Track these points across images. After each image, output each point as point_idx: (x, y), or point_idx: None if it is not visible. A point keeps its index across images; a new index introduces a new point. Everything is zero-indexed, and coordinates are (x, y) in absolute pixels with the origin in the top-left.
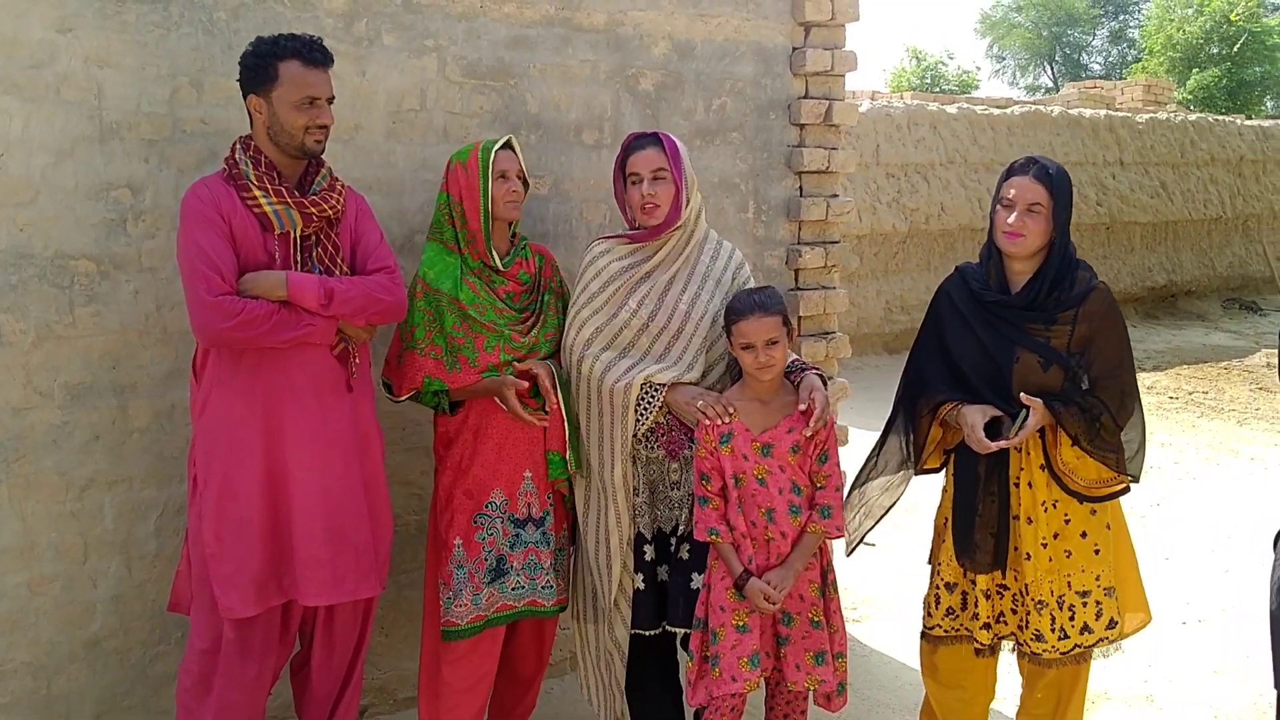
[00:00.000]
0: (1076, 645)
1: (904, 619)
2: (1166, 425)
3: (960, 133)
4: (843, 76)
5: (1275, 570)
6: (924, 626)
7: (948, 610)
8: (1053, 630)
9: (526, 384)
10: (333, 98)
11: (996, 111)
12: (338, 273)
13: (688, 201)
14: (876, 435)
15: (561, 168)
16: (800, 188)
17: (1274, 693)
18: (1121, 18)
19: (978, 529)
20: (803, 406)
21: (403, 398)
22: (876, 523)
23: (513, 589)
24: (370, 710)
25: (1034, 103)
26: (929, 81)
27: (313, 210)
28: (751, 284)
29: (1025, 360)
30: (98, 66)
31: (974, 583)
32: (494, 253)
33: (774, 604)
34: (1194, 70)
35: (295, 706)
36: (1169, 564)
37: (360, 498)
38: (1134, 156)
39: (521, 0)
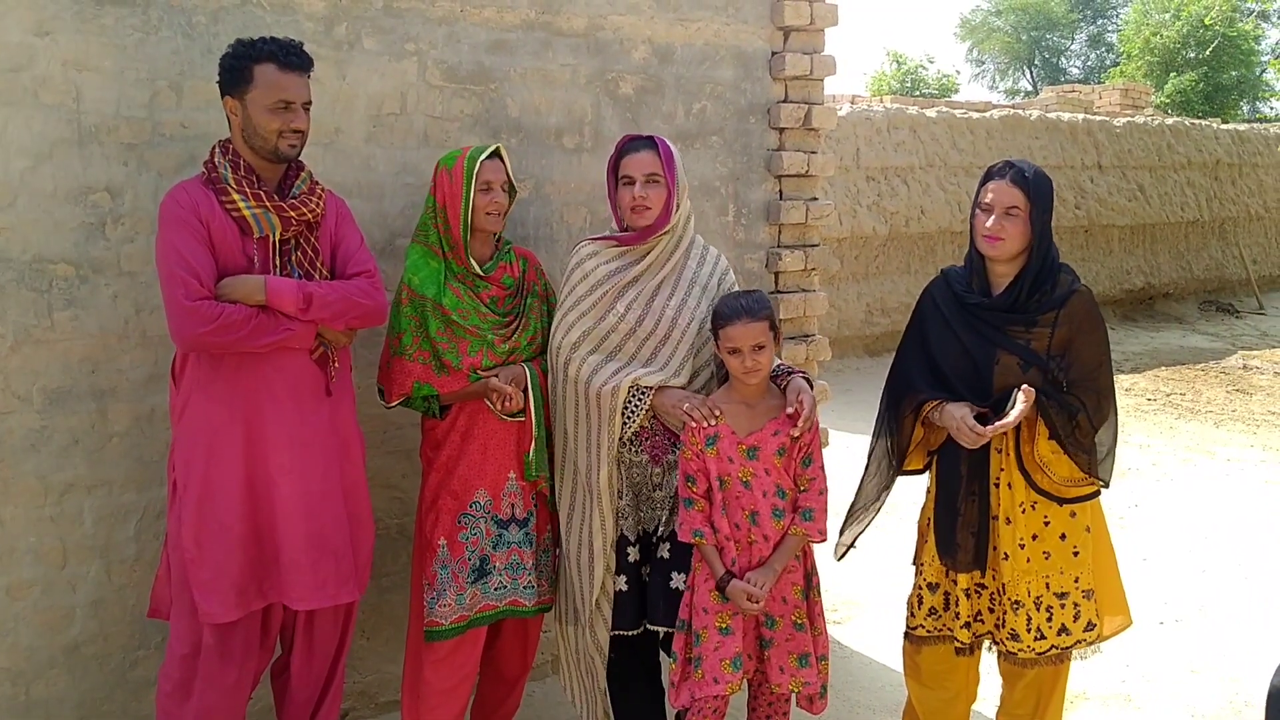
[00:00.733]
0: (1054, 646)
1: (885, 621)
2: (1144, 427)
3: (940, 136)
4: (822, 81)
5: None
6: (907, 626)
7: (930, 610)
8: (1029, 630)
9: (510, 389)
10: (309, 103)
11: (976, 115)
12: (317, 277)
13: (678, 206)
14: (856, 437)
15: (542, 171)
16: (780, 191)
17: (1249, 692)
18: (1100, 22)
19: (959, 529)
20: (790, 409)
21: (394, 403)
22: (865, 528)
23: (495, 589)
24: (351, 714)
25: (1013, 106)
26: (909, 85)
27: (292, 214)
28: (736, 288)
29: (1005, 362)
30: (76, 70)
31: (955, 582)
32: (473, 261)
33: (757, 604)
34: (1171, 74)
35: (276, 711)
36: (1147, 564)
37: (339, 502)
38: (1112, 160)
39: (501, 4)
